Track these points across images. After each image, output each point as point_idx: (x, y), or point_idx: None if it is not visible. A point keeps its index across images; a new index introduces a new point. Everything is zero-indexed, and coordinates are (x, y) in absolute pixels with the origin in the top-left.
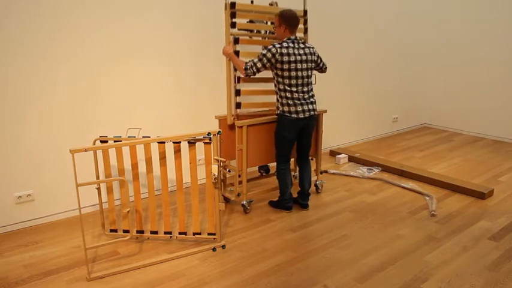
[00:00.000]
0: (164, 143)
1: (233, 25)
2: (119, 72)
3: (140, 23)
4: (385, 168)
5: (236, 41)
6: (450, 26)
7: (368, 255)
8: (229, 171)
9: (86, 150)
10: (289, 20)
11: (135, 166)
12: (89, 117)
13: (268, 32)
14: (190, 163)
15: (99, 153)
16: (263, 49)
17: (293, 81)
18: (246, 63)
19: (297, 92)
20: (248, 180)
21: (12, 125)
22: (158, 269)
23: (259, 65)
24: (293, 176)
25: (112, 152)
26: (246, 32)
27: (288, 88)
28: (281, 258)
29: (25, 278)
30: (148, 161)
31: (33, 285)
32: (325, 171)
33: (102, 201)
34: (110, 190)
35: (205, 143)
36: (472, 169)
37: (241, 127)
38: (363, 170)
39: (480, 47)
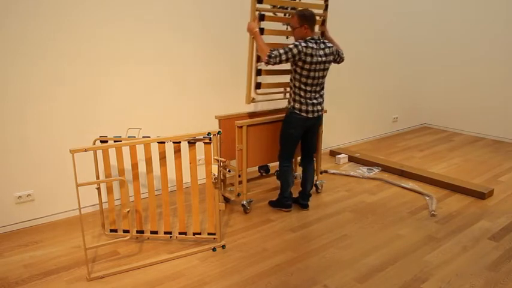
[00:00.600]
0: (164, 143)
1: (260, 0)
2: (119, 72)
3: (140, 23)
4: (385, 168)
5: (262, 17)
6: (450, 26)
7: (368, 255)
8: (229, 171)
9: (86, 150)
10: (311, 19)
11: (135, 166)
12: (89, 117)
13: (290, 8)
14: (190, 163)
15: (99, 153)
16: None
17: (309, 81)
18: (271, 51)
19: (310, 91)
20: (248, 180)
21: (12, 125)
22: (158, 269)
23: (283, 57)
24: (293, 176)
25: (112, 152)
26: (271, 7)
27: (303, 87)
28: (281, 258)
29: (25, 278)
30: (148, 161)
31: (33, 285)
32: (325, 171)
33: (102, 201)
34: (110, 190)
35: (205, 143)
36: (472, 169)
37: (241, 127)
38: (363, 170)
39: (480, 47)
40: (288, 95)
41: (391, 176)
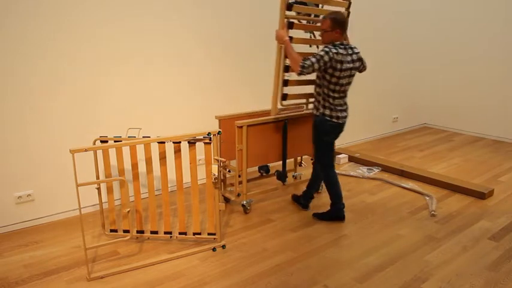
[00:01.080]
0: (164, 143)
1: (289, 7)
2: (119, 72)
3: (140, 23)
4: (385, 168)
5: (290, 25)
6: (449, 25)
7: (368, 255)
8: (229, 171)
9: (86, 150)
10: (344, 24)
11: (135, 166)
12: (89, 117)
13: (314, 15)
14: (190, 163)
15: (99, 153)
16: (320, 51)
17: (337, 88)
18: (304, 61)
19: (337, 98)
20: (248, 180)
21: (12, 125)
22: (158, 269)
23: (316, 66)
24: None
25: (112, 152)
26: (296, 14)
27: (332, 94)
28: (281, 258)
29: (25, 278)
30: (148, 161)
31: (33, 285)
32: None
33: (102, 201)
34: (110, 190)
35: (205, 143)
36: (472, 169)
37: (241, 127)
38: (363, 170)
39: (479, 46)
40: (313, 103)
41: (391, 176)
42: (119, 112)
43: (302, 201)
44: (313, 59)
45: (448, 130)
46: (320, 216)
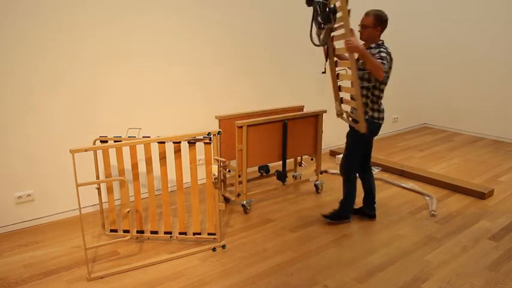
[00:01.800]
0: (164, 143)
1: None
2: (119, 72)
3: (140, 23)
4: (385, 168)
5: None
6: (450, 26)
7: (368, 255)
8: (229, 171)
9: (86, 150)
10: (386, 23)
11: (135, 166)
12: (89, 117)
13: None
14: (190, 163)
15: (99, 153)
16: (379, 53)
17: (384, 88)
18: (383, 66)
19: (382, 98)
20: (248, 180)
21: (13, 125)
22: (158, 269)
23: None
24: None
25: (112, 152)
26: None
27: (382, 95)
28: (281, 258)
29: (25, 278)
30: (149, 161)
31: (33, 285)
32: (325, 171)
33: (102, 201)
34: (110, 190)
35: (205, 143)
36: (472, 169)
37: (241, 127)
38: None
39: (480, 47)
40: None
41: (391, 176)
42: (119, 112)
43: (368, 211)
44: (386, 62)
45: (448, 130)
46: (331, 218)
